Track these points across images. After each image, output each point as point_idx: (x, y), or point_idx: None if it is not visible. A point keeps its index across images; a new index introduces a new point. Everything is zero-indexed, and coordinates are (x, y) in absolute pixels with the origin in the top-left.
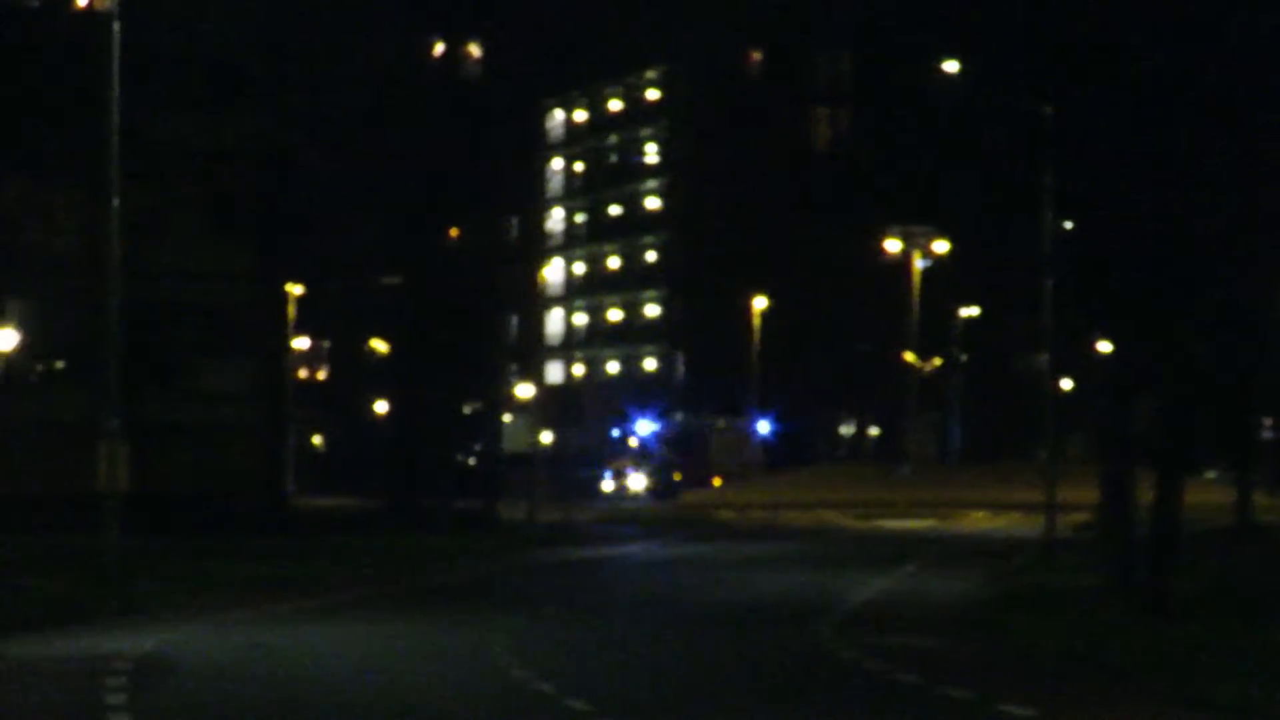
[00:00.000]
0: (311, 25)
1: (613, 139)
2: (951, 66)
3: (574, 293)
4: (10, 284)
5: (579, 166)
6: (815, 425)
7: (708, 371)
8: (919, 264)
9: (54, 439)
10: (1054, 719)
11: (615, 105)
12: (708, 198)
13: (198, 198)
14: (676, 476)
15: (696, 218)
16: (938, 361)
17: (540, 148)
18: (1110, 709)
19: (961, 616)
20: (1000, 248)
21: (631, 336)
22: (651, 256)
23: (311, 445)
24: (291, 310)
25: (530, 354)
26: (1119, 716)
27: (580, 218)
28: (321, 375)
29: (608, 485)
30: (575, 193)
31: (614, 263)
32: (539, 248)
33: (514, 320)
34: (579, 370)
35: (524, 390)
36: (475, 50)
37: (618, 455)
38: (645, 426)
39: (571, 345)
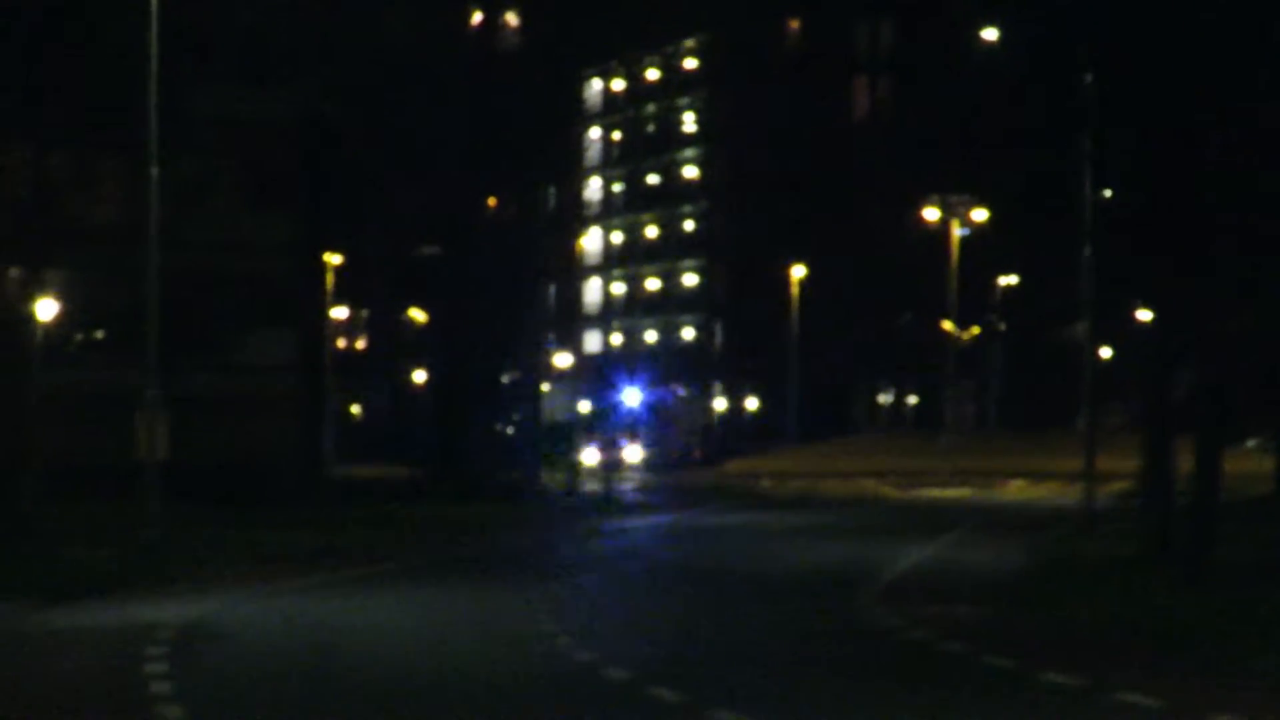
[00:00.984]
0: None
1: (651, 108)
2: (991, 34)
3: (612, 262)
4: (51, 254)
5: (617, 136)
6: (854, 394)
7: (746, 341)
8: (957, 232)
9: (94, 409)
10: (1095, 687)
11: (653, 74)
12: (746, 167)
13: (237, 168)
14: (696, 453)
15: (735, 187)
16: (975, 330)
17: (578, 117)
18: (1151, 677)
19: (1002, 585)
20: (1039, 217)
21: (669, 306)
22: (689, 226)
23: (350, 415)
24: (329, 279)
25: (568, 324)
26: (1159, 685)
27: (618, 187)
28: (360, 345)
29: (592, 457)
30: (613, 162)
31: (652, 232)
32: (577, 217)
33: (552, 290)
34: (617, 340)
35: (562, 360)
36: (513, 20)
37: (604, 426)
38: (633, 396)
39: (609, 315)
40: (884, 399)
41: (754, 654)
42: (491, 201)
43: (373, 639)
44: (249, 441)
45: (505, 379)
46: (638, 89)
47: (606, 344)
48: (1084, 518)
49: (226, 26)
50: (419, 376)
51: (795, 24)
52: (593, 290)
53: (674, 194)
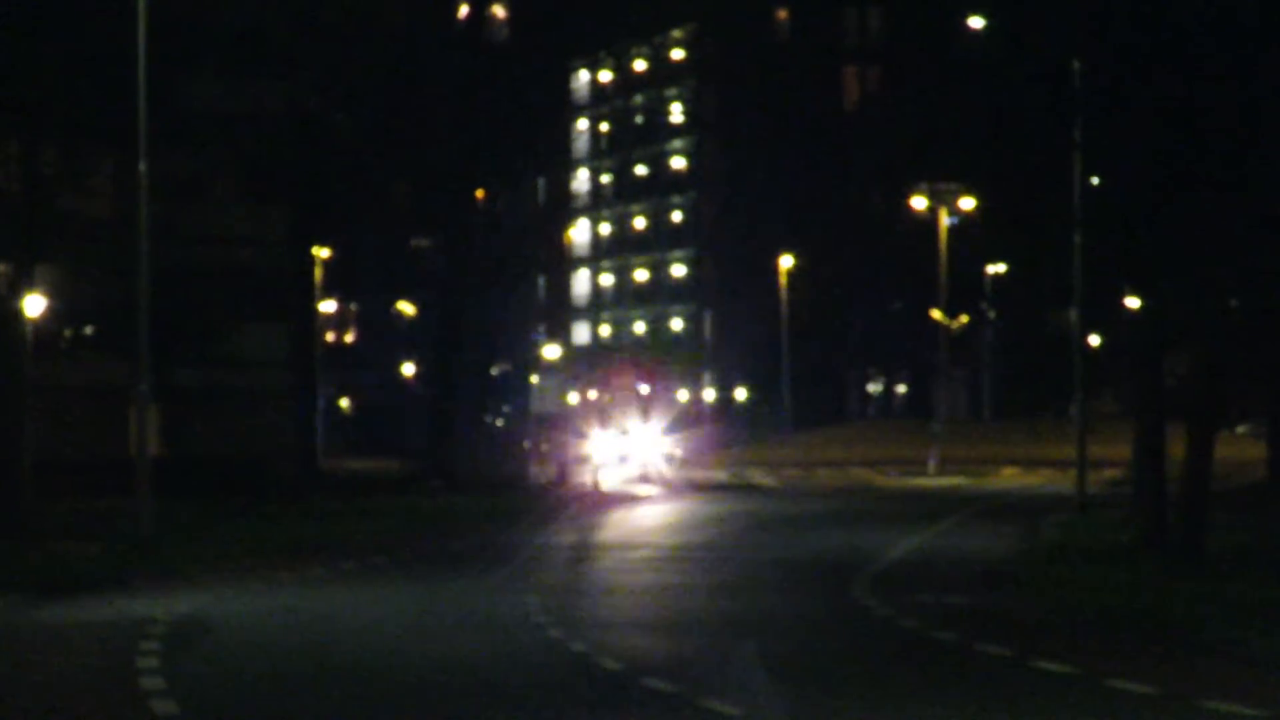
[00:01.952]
0: None
1: (639, 99)
2: (978, 22)
3: (601, 253)
4: (41, 249)
5: (605, 127)
6: (845, 384)
7: (736, 331)
8: (946, 221)
9: (86, 404)
10: (1089, 674)
11: (641, 65)
12: (735, 157)
13: (227, 162)
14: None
15: (724, 177)
16: (965, 319)
17: (566, 108)
18: (1145, 663)
19: (996, 573)
20: (1029, 204)
21: (659, 297)
22: (678, 217)
23: (340, 409)
24: (318, 273)
25: (557, 315)
26: (1154, 671)
27: (607, 178)
28: (349, 338)
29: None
30: (602, 153)
31: (641, 223)
32: (566, 208)
33: (541, 281)
34: (605, 331)
35: (551, 351)
36: (501, 11)
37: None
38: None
39: (599, 306)
40: (875, 388)
41: (744, 645)
42: (480, 194)
43: (367, 632)
44: (241, 435)
45: (495, 371)
46: (626, 80)
47: (596, 335)
48: (1077, 505)
49: (216, 20)
50: (409, 369)
51: (783, 14)
52: (582, 282)
53: (663, 185)
